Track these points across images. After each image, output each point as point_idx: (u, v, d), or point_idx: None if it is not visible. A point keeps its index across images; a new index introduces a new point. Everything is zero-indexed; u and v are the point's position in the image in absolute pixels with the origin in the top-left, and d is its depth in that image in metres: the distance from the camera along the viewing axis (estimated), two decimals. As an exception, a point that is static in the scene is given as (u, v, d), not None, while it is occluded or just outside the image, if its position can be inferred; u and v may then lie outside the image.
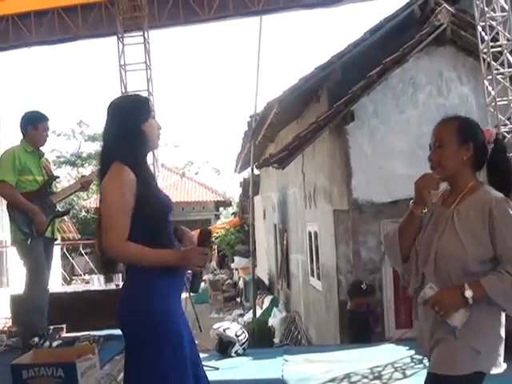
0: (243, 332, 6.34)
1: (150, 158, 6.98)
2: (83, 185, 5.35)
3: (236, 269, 21.58)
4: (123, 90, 7.05)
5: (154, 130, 2.77)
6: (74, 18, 7.41)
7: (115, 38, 7.07)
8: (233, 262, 21.77)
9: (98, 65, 54.95)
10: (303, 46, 72.53)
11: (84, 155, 34.16)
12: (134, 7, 7.08)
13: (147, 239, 2.60)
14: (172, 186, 31.39)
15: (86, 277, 13.40)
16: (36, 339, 4.96)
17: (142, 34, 7.00)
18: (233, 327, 6.38)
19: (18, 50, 7.85)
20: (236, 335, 6.20)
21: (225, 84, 71.89)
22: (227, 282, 21.80)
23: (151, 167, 6.89)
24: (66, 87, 64.35)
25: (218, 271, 23.78)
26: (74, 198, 25.16)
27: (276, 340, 12.28)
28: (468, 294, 2.34)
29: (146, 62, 7.08)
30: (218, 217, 31.33)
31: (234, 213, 29.42)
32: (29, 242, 5.07)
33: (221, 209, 33.80)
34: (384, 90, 8.20)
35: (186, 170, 40.68)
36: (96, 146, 36.46)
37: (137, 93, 6.89)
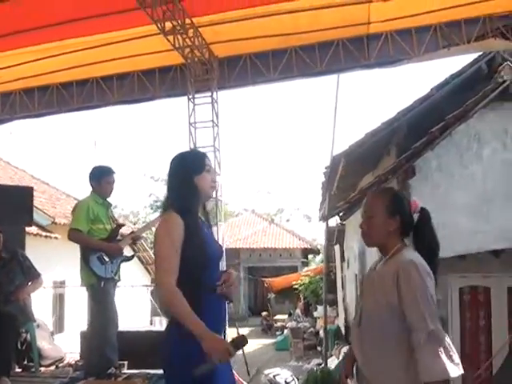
0: (293, 379, 6.55)
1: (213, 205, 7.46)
2: (133, 239, 5.94)
3: (319, 317, 21.52)
4: (192, 146, 7.61)
5: (206, 183, 3.07)
6: (152, 79, 8.09)
7: (186, 97, 7.66)
8: (316, 310, 21.74)
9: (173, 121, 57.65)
10: (375, 101, 72.37)
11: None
12: (206, 70, 7.64)
13: (187, 284, 2.83)
14: (260, 232, 31.90)
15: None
16: (113, 369, 5.48)
17: (210, 94, 7.54)
18: (283, 374, 6.62)
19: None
20: (286, 382, 6.43)
21: (308, 134, 72.92)
22: (309, 330, 21.68)
23: (217, 214, 7.42)
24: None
25: (302, 319, 23.75)
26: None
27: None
28: None
29: (213, 121, 7.61)
30: (305, 264, 31.40)
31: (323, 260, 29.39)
32: (102, 285, 5.61)
33: (310, 256, 33.86)
34: (448, 146, 8.28)
35: (278, 216, 41.23)
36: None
37: (199, 149, 7.46)
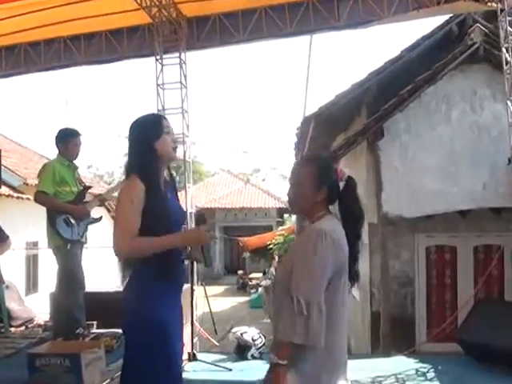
0: (260, 337, 6.68)
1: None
2: (101, 201, 5.96)
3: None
4: (160, 107, 7.55)
5: (166, 146, 3.06)
6: (120, 39, 7.95)
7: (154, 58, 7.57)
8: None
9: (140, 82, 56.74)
10: (349, 62, 72.14)
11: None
12: (174, 30, 7.53)
13: None
14: (236, 192, 31.99)
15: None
16: (81, 329, 5.53)
17: (178, 55, 7.45)
18: (250, 331, 6.74)
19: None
20: (252, 339, 6.56)
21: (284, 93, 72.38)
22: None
23: (186, 176, 7.43)
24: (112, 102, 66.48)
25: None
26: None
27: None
28: (276, 360, 2.48)
29: (181, 82, 7.53)
30: (281, 223, 31.65)
31: (297, 219, 29.63)
32: (68, 247, 5.62)
33: (285, 215, 34.12)
34: (417, 107, 8.34)
35: (254, 176, 41.31)
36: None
37: (167, 110, 7.40)
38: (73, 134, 5.87)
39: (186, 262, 3.39)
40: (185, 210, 3.26)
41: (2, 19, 7.16)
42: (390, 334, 8.57)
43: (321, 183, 2.70)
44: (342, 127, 10.98)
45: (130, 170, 3.02)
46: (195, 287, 7.78)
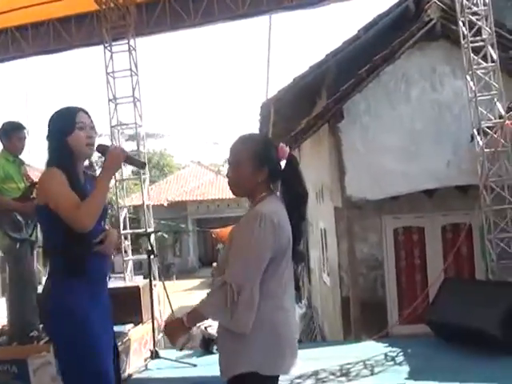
0: (225, 329, 6.49)
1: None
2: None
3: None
4: (111, 96, 7.29)
5: (79, 141, 2.97)
6: (68, 28, 7.68)
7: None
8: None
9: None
10: (305, 43, 72.11)
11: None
12: (123, 16, 7.27)
13: (69, 241, 2.80)
14: (207, 184, 31.77)
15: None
16: (35, 332, 5.27)
17: (127, 42, 7.20)
18: (215, 325, 6.53)
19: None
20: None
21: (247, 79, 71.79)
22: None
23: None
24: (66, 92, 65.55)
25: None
26: (113, 198, 25.93)
27: (296, 336, 12.35)
28: (185, 321, 2.51)
29: (131, 69, 7.28)
30: (253, 213, 31.43)
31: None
32: (17, 246, 5.35)
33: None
34: (376, 87, 8.19)
35: (225, 166, 41.07)
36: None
37: (118, 99, 7.13)
38: (16, 127, 5.59)
39: (113, 255, 3.19)
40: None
41: None
42: (361, 319, 8.49)
43: (262, 163, 2.58)
44: (305, 111, 10.81)
45: (49, 164, 2.98)
46: (156, 282, 7.60)
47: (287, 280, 2.59)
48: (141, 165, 3.27)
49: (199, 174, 34.18)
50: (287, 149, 2.66)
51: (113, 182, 6.94)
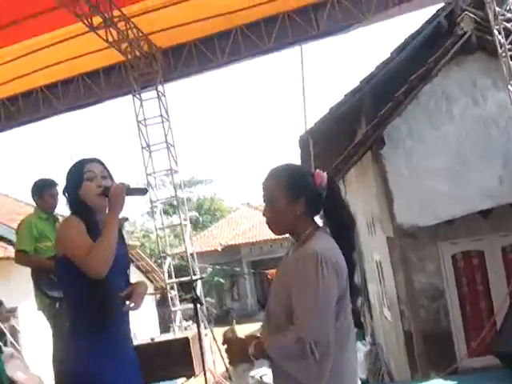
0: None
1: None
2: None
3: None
4: (144, 144, 7.23)
5: (89, 192, 2.93)
6: (97, 81, 7.75)
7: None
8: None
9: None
10: (337, 69, 71.60)
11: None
12: (150, 63, 7.26)
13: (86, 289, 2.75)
14: (259, 224, 31.58)
15: (185, 323, 13.71)
16: None
17: (155, 88, 7.16)
18: (270, 373, 6.22)
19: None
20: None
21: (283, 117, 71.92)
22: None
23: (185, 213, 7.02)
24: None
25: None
26: (168, 246, 26.17)
27: (363, 376, 11.86)
28: (250, 349, 2.26)
29: (162, 115, 7.23)
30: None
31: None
32: (57, 305, 5.23)
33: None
34: (415, 109, 7.86)
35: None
36: (186, 193, 38.07)
37: (151, 146, 7.03)
38: (48, 184, 5.55)
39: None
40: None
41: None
42: (426, 353, 8.00)
43: (296, 193, 2.36)
44: (345, 141, 10.54)
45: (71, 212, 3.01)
46: (207, 331, 7.32)
47: (350, 321, 2.37)
48: (143, 192, 3.11)
49: (250, 215, 34.06)
50: (324, 174, 2.42)
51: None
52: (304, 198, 2.35)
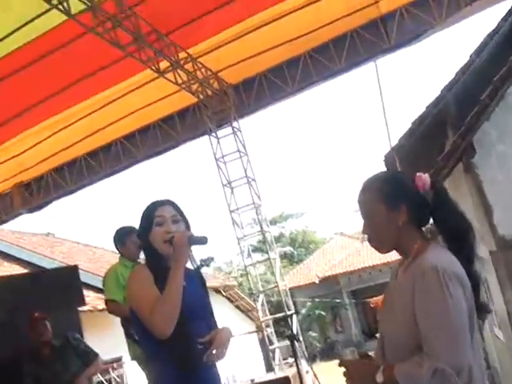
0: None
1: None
2: None
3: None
4: (225, 181, 7.16)
5: (157, 238, 2.84)
6: (173, 125, 7.82)
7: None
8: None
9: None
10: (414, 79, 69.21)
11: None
12: (222, 100, 7.25)
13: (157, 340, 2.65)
14: (354, 253, 31.00)
15: (290, 360, 13.44)
16: None
17: (230, 124, 7.12)
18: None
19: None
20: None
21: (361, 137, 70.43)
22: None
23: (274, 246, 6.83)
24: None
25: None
26: (263, 284, 26.05)
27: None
28: (378, 377, 1.95)
29: (239, 151, 7.16)
30: (409, 273, 30.02)
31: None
32: None
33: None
34: (503, 111, 7.34)
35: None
36: (278, 229, 38.01)
37: (232, 183, 6.93)
38: (129, 231, 5.51)
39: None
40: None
41: (48, 137, 7.16)
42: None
43: (395, 201, 2.10)
44: (432, 154, 10.07)
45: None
46: (307, 368, 7.01)
47: (479, 344, 2.07)
48: (204, 240, 2.92)
49: (344, 244, 33.52)
50: (426, 176, 2.16)
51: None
52: (405, 205, 2.09)
